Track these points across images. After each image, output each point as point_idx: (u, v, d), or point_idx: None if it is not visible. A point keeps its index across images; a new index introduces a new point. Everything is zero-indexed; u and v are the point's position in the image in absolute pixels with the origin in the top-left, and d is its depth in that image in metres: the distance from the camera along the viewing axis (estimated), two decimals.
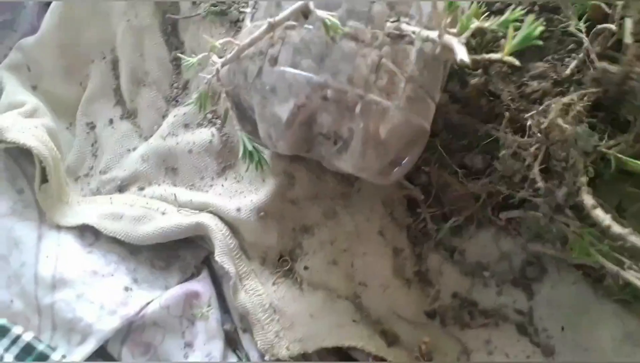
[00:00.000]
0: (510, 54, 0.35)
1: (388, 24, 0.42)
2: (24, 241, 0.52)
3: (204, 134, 0.58)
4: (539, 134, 0.45)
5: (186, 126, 0.59)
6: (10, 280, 0.51)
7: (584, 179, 0.42)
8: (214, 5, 0.61)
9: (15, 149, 0.55)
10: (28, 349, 0.46)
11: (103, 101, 0.62)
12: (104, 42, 0.62)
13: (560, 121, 0.43)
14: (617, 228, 0.39)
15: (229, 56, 0.44)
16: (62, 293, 0.50)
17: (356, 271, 0.54)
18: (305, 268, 0.54)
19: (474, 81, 0.55)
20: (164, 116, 0.61)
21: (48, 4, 0.65)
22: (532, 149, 0.46)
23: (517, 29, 0.34)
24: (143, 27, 0.61)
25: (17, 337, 0.46)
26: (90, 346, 0.48)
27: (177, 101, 0.61)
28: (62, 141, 0.61)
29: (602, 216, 0.40)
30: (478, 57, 0.38)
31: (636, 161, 0.44)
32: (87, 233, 0.55)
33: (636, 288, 0.46)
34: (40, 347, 0.46)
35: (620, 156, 0.44)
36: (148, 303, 0.52)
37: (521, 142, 0.47)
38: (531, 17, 0.34)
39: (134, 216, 0.55)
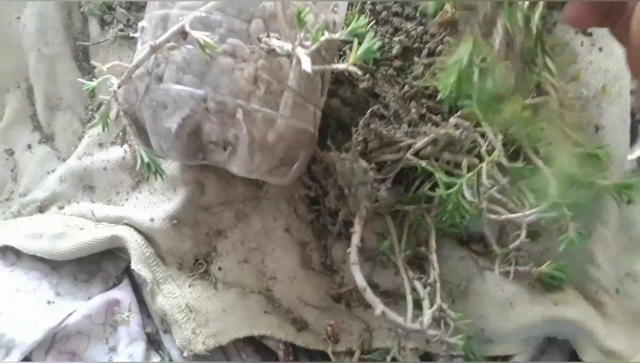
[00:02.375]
0: (355, 64, 0.40)
1: (263, 39, 0.47)
2: None
3: (117, 152, 0.61)
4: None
5: (100, 145, 0.62)
6: None
7: (363, 205, 0.50)
8: (121, 30, 0.65)
9: None
10: None
11: (21, 128, 0.65)
12: (17, 72, 0.65)
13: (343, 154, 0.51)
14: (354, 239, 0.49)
15: (121, 78, 0.48)
16: None
17: (266, 267, 0.58)
18: (219, 269, 0.58)
19: (362, 85, 0.61)
20: (80, 138, 0.64)
21: None
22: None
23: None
24: (54, 55, 0.64)
25: None
26: (14, 358, 0.51)
27: (92, 123, 0.64)
28: None
29: (354, 240, 0.51)
30: (327, 67, 0.43)
31: None
32: (9, 254, 0.58)
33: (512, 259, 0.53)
34: None
35: None
36: (70, 314, 0.55)
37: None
38: (371, 33, 0.39)
39: (54, 233, 0.58)
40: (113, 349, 0.55)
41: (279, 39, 0.46)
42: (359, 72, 0.38)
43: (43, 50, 0.64)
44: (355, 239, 0.51)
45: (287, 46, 0.42)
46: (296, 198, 0.60)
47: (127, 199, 0.61)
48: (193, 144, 0.48)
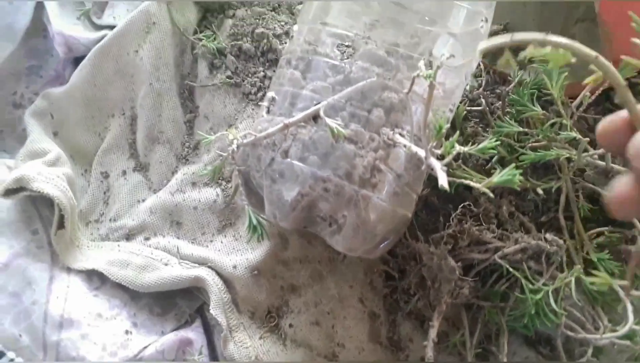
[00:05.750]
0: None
1: (383, 130, 0.49)
2: (37, 281, 0.57)
3: (209, 194, 0.64)
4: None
5: (193, 184, 0.65)
6: (19, 316, 0.56)
7: (444, 301, 0.53)
8: (229, 77, 0.68)
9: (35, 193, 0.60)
10: None
11: (118, 153, 0.68)
12: (125, 100, 0.68)
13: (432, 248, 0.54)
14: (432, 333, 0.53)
15: (245, 141, 0.51)
16: (68, 333, 0.55)
17: (336, 333, 0.60)
18: (290, 325, 0.60)
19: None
20: (173, 172, 0.67)
21: (77, 58, 0.71)
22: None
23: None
24: (163, 90, 0.67)
25: (11, 360, 0.51)
26: None
27: (187, 160, 0.67)
28: (76, 187, 0.66)
29: (432, 334, 0.53)
30: (457, 180, 0.45)
31: None
32: (94, 277, 0.60)
33: None
34: None
35: None
36: (145, 347, 0.57)
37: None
38: (513, 166, 0.41)
39: (139, 264, 0.60)
40: None
41: (402, 135, 0.49)
42: (491, 195, 0.41)
43: (154, 84, 0.67)
44: (433, 333, 0.53)
45: (418, 150, 0.45)
46: (375, 270, 0.62)
47: (211, 241, 0.63)
48: (304, 216, 0.50)
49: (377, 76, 0.50)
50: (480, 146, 0.43)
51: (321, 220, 0.51)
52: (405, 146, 0.46)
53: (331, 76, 0.52)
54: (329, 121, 0.46)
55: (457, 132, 0.44)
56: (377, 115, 0.50)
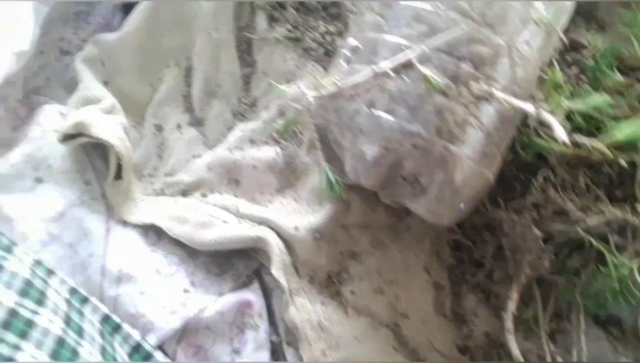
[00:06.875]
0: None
1: (475, 84, 0.46)
2: (94, 233, 0.55)
3: (269, 152, 0.61)
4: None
5: (252, 141, 0.62)
6: (76, 268, 0.54)
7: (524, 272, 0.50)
8: (289, 30, 0.64)
9: (88, 143, 0.58)
10: (137, 348, 0.48)
11: (172, 106, 0.65)
12: (181, 50, 0.65)
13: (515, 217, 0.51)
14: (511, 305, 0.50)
15: (325, 93, 0.47)
16: (126, 288, 0.53)
17: (400, 302, 0.57)
18: (352, 292, 0.57)
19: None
20: (229, 128, 0.64)
21: (125, 5, 0.67)
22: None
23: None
24: (221, 41, 0.64)
25: (128, 335, 0.49)
26: (151, 342, 0.51)
27: (243, 116, 0.64)
28: (130, 138, 0.63)
29: (511, 307, 0.50)
30: (579, 139, 0.41)
31: None
32: (151, 232, 0.58)
33: None
34: (147, 347, 0.49)
35: None
36: (204, 308, 0.55)
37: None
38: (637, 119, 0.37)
39: (198, 221, 0.57)
40: (237, 351, 0.55)
41: (494, 87, 0.45)
42: (624, 164, 0.37)
43: (212, 34, 0.64)
44: (512, 306, 0.51)
45: (522, 105, 0.41)
46: (442, 240, 0.59)
47: (270, 202, 0.60)
48: (386, 175, 0.47)
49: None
50: (594, 102, 0.39)
51: (402, 180, 0.48)
52: (504, 100, 0.43)
53: (415, 25, 0.48)
54: (424, 70, 0.43)
55: (565, 86, 0.41)
56: (466, 68, 0.47)
